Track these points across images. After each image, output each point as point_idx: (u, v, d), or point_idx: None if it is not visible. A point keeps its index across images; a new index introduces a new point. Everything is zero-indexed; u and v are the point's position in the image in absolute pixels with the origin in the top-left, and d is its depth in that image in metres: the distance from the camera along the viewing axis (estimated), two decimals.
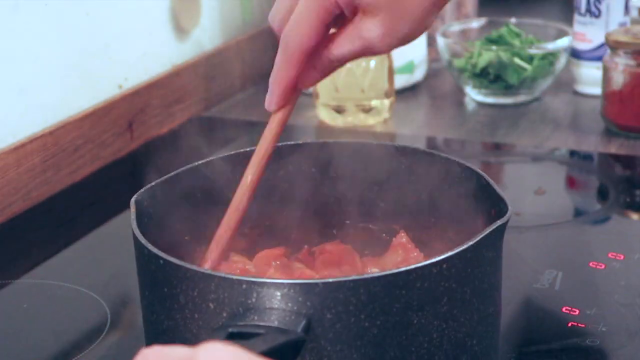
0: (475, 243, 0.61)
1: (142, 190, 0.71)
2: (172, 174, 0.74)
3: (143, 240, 0.63)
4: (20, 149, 1.02)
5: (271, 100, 0.68)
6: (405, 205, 0.78)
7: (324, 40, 0.66)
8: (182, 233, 0.74)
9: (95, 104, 1.14)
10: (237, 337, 0.55)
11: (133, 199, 0.69)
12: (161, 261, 0.62)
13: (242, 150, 0.77)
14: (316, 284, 0.58)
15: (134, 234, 0.65)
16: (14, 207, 1.01)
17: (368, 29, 0.64)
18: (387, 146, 0.78)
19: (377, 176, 0.78)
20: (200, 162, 0.75)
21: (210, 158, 0.76)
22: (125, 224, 1.00)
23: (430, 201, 0.76)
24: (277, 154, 0.76)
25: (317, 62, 0.67)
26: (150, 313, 0.65)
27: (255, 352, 0.49)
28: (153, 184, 0.72)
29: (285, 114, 0.69)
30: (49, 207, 1.04)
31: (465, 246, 0.61)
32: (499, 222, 0.64)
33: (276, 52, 0.67)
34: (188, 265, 0.61)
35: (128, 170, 1.13)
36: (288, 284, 0.58)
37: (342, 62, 0.67)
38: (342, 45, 0.65)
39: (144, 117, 1.20)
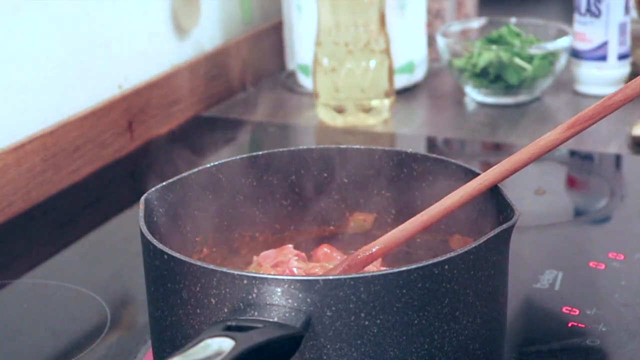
0: (478, 245, 0.61)
1: (152, 189, 0.70)
2: (183, 174, 0.73)
3: (149, 236, 0.63)
4: (20, 149, 1.02)
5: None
6: (416, 211, 0.77)
7: None
8: (193, 234, 0.74)
9: (95, 103, 1.14)
10: (235, 330, 0.55)
11: (143, 197, 0.69)
12: (165, 256, 0.62)
13: (254, 153, 0.77)
14: (316, 280, 0.58)
15: (140, 231, 0.65)
16: (14, 207, 1.01)
17: None
18: (398, 152, 0.77)
19: (387, 182, 0.78)
20: (212, 164, 0.75)
21: (222, 160, 0.76)
22: (126, 224, 1.01)
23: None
24: (287, 158, 0.77)
25: None
26: (155, 309, 0.65)
27: (251, 343, 0.50)
28: (164, 183, 0.71)
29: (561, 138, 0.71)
30: (48, 207, 1.04)
31: (467, 248, 0.61)
32: (503, 226, 0.63)
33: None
34: (191, 261, 0.61)
35: (128, 170, 1.13)
36: (288, 280, 0.58)
37: None
38: None
39: (143, 117, 1.20)
